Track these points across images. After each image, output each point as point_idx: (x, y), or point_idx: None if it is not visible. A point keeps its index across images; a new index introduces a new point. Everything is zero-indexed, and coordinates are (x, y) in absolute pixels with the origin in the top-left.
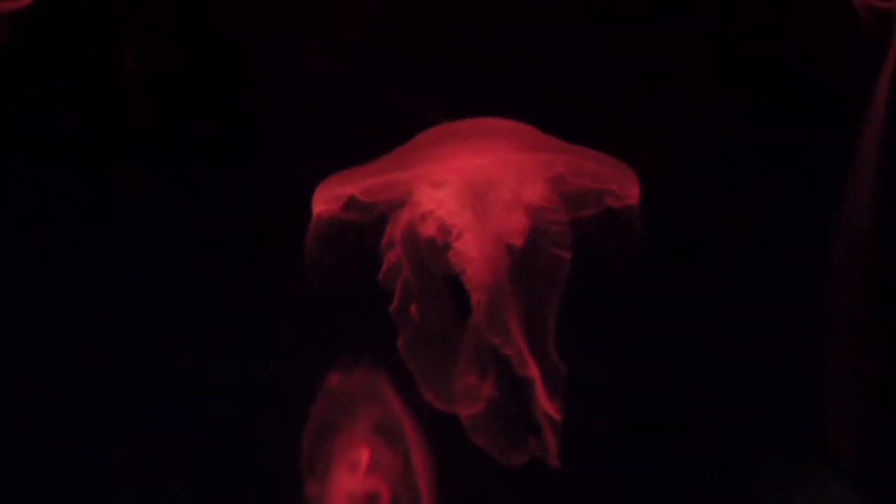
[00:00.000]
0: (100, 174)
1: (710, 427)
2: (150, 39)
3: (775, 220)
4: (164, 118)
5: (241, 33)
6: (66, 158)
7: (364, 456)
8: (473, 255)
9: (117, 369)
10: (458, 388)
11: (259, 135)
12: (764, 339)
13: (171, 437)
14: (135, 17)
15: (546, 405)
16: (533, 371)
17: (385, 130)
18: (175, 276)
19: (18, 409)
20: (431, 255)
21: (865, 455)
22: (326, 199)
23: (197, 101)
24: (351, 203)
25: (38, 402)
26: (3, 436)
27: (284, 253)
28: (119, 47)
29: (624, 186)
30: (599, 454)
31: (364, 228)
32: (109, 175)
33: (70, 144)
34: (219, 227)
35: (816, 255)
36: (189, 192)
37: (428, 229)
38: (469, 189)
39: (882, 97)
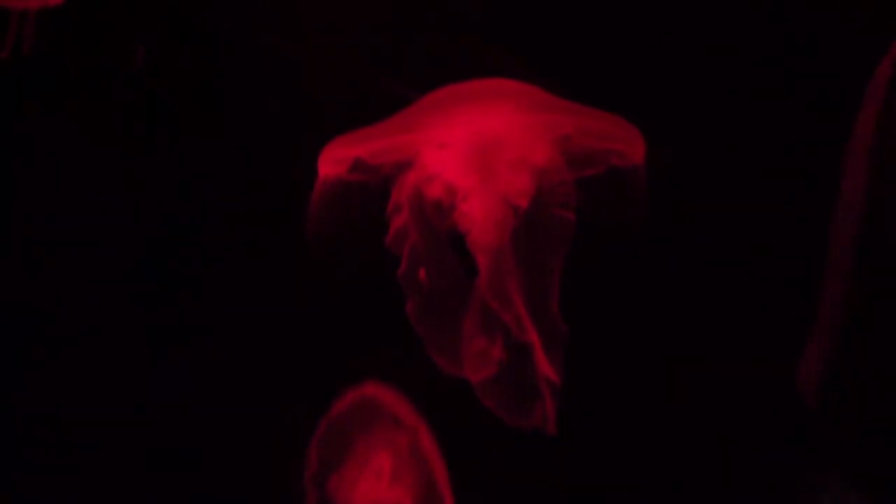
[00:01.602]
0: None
1: (712, 402)
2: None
3: (780, 184)
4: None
5: (239, 23)
6: (74, 154)
7: (386, 465)
8: (478, 216)
9: (117, 366)
10: (467, 352)
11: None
12: (770, 301)
13: (172, 436)
14: (143, 18)
15: (546, 371)
16: (532, 337)
17: (389, 100)
18: (182, 266)
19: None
20: (437, 217)
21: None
22: (332, 161)
23: (200, 90)
24: (357, 165)
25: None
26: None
27: (288, 245)
28: (128, 47)
29: (630, 146)
30: (600, 425)
31: (368, 193)
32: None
33: (79, 139)
34: (221, 215)
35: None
36: (192, 184)
37: (433, 191)
38: (475, 150)
39: (880, 87)
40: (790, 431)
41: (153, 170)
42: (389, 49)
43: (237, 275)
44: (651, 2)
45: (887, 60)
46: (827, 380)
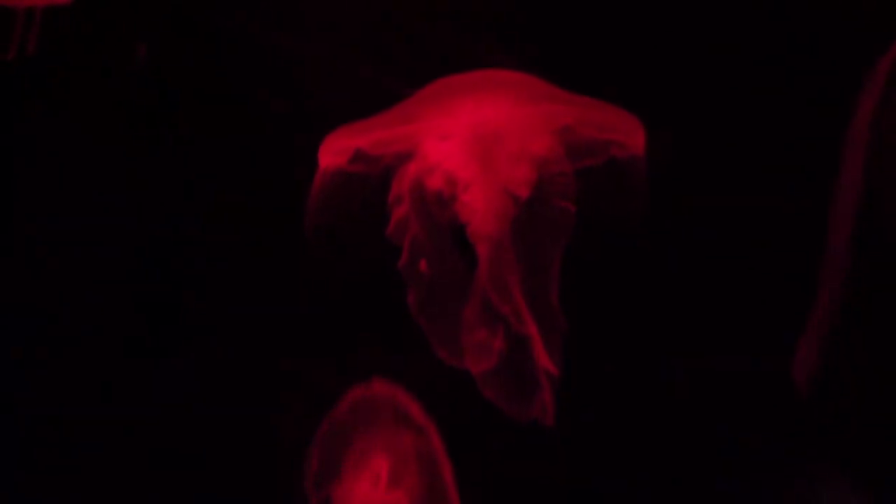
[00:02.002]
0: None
1: (711, 396)
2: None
3: (780, 178)
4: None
5: (242, 22)
6: (76, 153)
7: (383, 468)
8: (479, 207)
9: (118, 366)
10: (467, 343)
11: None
12: (769, 296)
13: (173, 436)
14: (145, 17)
15: (544, 363)
16: (531, 329)
17: (392, 98)
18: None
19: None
20: (438, 208)
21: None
22: (333, 152)
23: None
24: (357, 155)
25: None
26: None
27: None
28: (130, 45)
29: (630, 136)
30: (601, 417)
31: (368, 184)
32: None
33: (81, 138)
34: (224, 214)
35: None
36: (194, 183)
37: (434, 182)
38: (475, 141)
39: (879, 82)
40: (789, 426)
41: (155, 169)
42: (393, 47)
43: (239, 274)
44: None
45: (888, 56)
46: (821, 371)
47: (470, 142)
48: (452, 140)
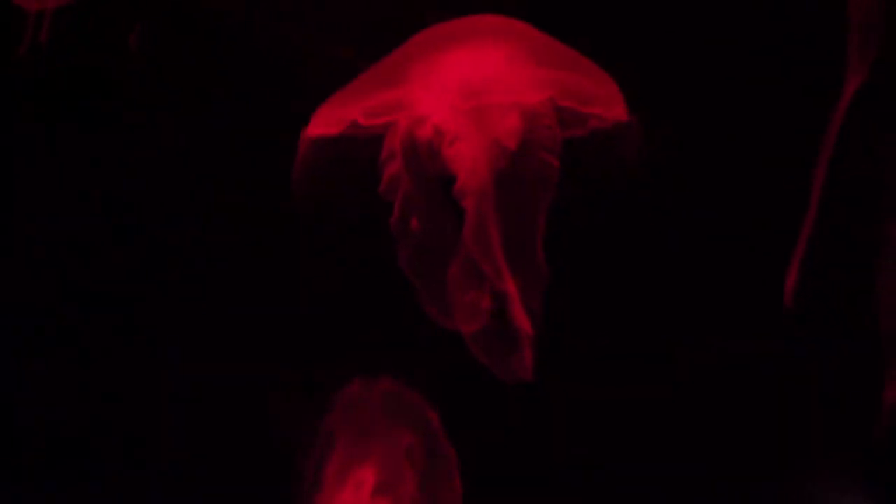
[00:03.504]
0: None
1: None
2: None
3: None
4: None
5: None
6: (75, 152)
7: (369, 475)
8: (467, 160)
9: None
10: (457, 302)
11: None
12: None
13: (173, 435)
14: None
15: (521, 322)
16: (510, 287)
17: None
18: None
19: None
20: (429, 160)
21: None
22: (325, 124)
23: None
24: (351, 126)
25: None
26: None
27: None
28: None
29: (608, 107)
30: (584, 375)
31: (358, 150)
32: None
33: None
34: (225, 212)
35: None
36: (195, 182)
37: (425, 133)
38: (465, 93)
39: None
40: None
41: (154, 168)
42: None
43: (240, 272)
44: None
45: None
46: (800, 289)
47: (459, 93)
48: (442, 91)
